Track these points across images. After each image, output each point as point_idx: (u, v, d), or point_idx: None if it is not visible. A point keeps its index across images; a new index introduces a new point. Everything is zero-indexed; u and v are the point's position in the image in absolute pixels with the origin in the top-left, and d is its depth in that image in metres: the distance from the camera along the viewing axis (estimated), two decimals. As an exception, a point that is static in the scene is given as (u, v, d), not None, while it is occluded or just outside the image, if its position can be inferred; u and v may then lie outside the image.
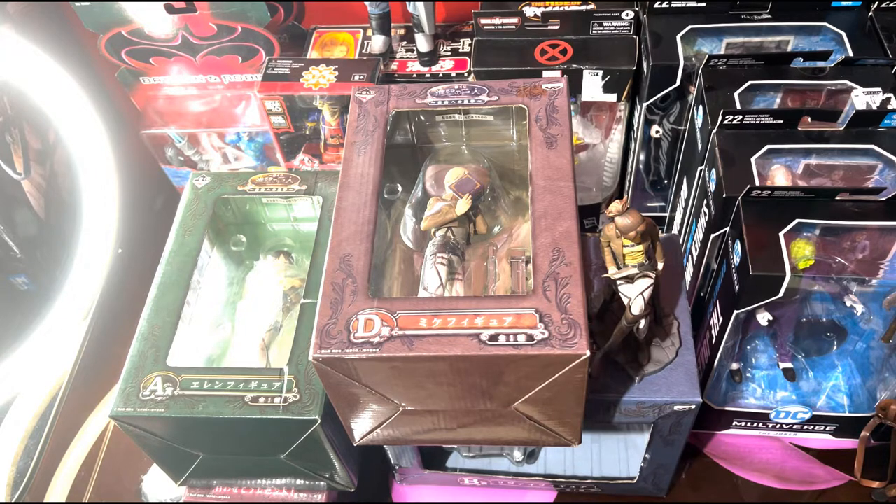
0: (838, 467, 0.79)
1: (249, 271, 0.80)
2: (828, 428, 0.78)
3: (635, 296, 0.58)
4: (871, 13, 0.78)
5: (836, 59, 0.72)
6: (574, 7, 0.86)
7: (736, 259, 0.63)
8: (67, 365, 0.89)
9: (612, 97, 0.84)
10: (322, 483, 0.76)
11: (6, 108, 0.86)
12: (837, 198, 0.62)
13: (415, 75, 0.92)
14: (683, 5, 0.80)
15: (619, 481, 0.78)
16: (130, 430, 0.64)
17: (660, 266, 0.59)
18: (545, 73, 0.81)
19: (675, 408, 0.62)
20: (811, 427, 0.78)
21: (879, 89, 0.69)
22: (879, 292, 0.65)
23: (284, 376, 0.63)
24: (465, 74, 0.90)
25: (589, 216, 0.97)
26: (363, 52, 0.95)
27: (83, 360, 0.89)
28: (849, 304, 0.68)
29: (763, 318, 0.68)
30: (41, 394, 0.87)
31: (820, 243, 0.62)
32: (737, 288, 0.63)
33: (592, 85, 0.83)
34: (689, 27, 0.79)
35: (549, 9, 0.85)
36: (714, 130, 0.69)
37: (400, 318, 0.49)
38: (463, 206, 0.59)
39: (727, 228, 0.67)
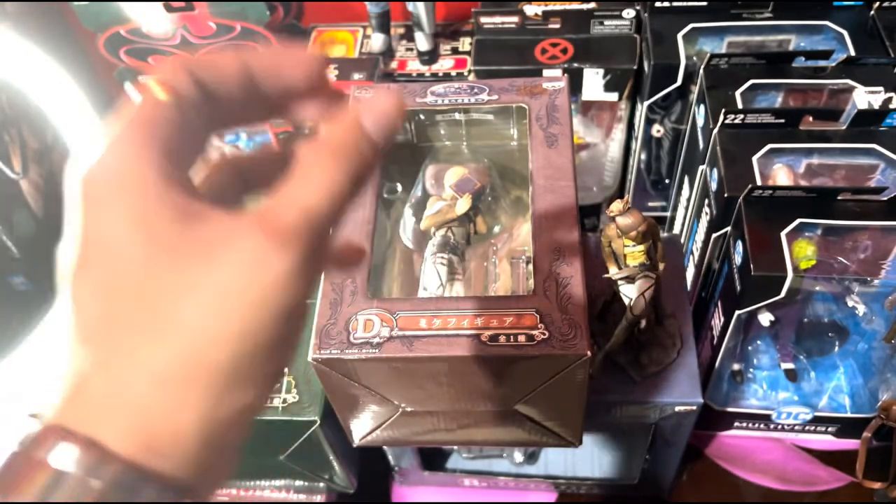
0: (840, 468, 0.79)
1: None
2: (829, 429, 0.78)
3: (636, 296, 0.57)
4: (872, 12, 0.77)
5: (837, 59, 0.72)
6: (575, 6, 0.85)
7: (737, 259, 0.63)
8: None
9: (614, 96, 0.84)
10: (321, 484, 0.76)
11: (4, 108, 0.85)
12: (839, 198, 0.62)
13: (414, 74, 0.92)
14: (685, 4, 0.80)
15: (620, 482, 0.78)
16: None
17: (661, 266, 0.59)
18: (546, 72, 0.81)
19: (677, 409, 0.62)
20: (813, 428, 0.78)
21: (881, 88, 0.69)
22: (881, 292, 0.64)
23: (283, 377, 0.62)
24: (466, 73, 0.89)
25: (590, 216, 0.96)
26: (362, 50, 0.94)
27: (81, 361, 0.89)
28: (851, 304, 0.67)
29: (765, 318, 0.67)
30: (39, 395, 0.86)
31: (822, 243, 0.61)
32: (738, 288, 0.62)
33: (593, 84, 0.83)
34: (691, 26, 0.79)
35: (549, 7, 0.85)
36: (715, 130, 0.68)
37: (399, 318, 0.48)
38: (463, 205, 0.59)
39: (729, 228, 0.66)
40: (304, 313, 0.24)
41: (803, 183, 0.67)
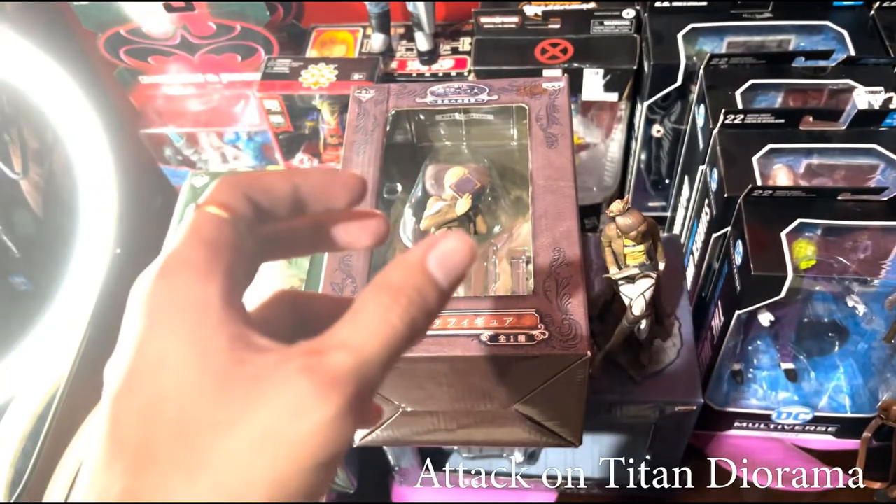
0: (840, 468, 0.78)
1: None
2: (829, 429, 0.78)
3: (636, 296, 0.57)
4: (872, 12, 0.77)
5: (837, 59, 0.72)
6: (575, 6, 0.85)
7: (737, 259, 0.63)
8: (66, 365, 0.88)
9: (613, 96, 0.84)
10: (321, 484, 0.75)
11: (4, 108, 0.85)
12: (839, 198, 0.62)
13: (414, 74, 0.92)
14: (685, 4, 0.80)
15: (621, 482, 0.78)
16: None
17: (661, 266, 0.59)
18: (546, 73, 0.81)
19: (677, 408, 0.62)
20: (813, 428, 0.78)
21: (881, 88, 0.69)
22: (881, 292, 0.64)
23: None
24: (466, 73, 0.89)
25: (590, 216, 0.96)
26: (363, 51, 0.94)
27: (82, 361, 0.89)
28: (851, 304, 0.67)
29: (765, 318, 0.67)
30: (39, 394, 0.86)
31: (822, 243, 0.62)
32: (738, 288, 0.62)
33: (593, 84, 0.83)
34: (691, 26, 0.79)
35: (549, 7, 0.85)
36: (715, 130, 0.69)
37: (399, 318, 0.48)
38: (463, 205, 0.59)
39: (729, 228, 0.66)
40: (338, 462, 0.23)
41: (803, 183, 0.67)
